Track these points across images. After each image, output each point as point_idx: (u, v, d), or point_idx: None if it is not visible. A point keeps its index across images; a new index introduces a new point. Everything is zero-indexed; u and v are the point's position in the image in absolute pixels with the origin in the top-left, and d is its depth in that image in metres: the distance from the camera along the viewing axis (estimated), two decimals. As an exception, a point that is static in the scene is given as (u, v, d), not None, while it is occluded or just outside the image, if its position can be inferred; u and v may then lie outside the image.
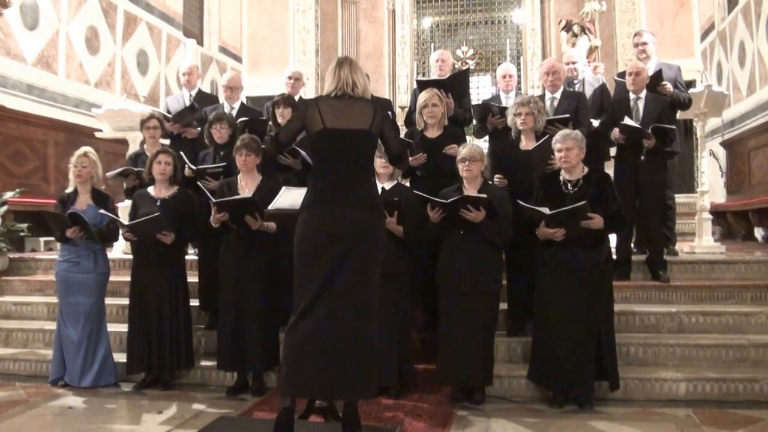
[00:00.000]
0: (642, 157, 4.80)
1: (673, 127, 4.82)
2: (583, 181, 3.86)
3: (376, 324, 3.21)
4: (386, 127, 3.35)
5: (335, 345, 3.07)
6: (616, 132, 4.85)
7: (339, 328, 3.08)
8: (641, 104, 4.99)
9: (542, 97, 4.98)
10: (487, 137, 5.47)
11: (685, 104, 5.36)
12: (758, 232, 7.66)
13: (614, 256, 4.31)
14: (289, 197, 3.70)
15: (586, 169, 3.92)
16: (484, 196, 3.82)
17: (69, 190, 4.57)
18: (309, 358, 3.08)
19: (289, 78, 6.03)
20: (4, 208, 5.78)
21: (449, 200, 3.83)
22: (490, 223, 3.85)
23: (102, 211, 4.38)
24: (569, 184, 3.89)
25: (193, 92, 6.27)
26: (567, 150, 3.84)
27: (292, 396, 3.13)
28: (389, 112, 3.35)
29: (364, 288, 3.15)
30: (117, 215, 4.53)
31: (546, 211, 3.74)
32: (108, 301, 4.62)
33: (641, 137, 4.74)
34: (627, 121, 4.79)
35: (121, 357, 4.43)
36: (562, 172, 3.94)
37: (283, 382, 3.20)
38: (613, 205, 3.82)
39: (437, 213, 3.87)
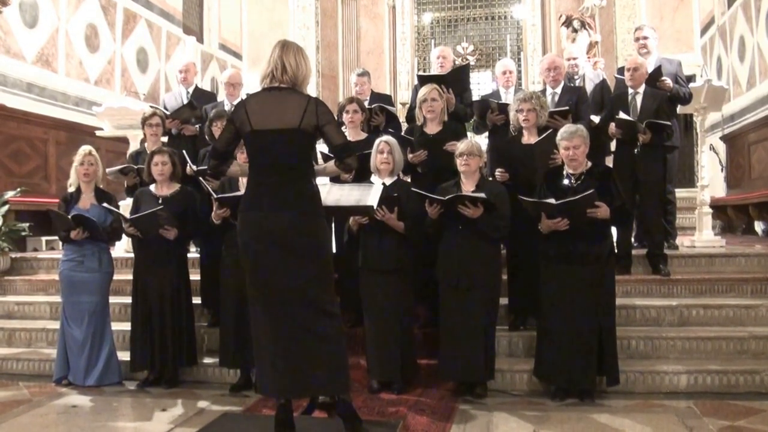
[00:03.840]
0: (636, 150, 4.82)
1: (668, 123, 4.82)
2: (586, 175, 3.88)
3: (335, 320, 3.16)
4: (324, 121, 3.12)
5: (284, 346, 3.08)
6: (612, 127, 4.87)
7: (284, 332, 3.08)
8: (639, 99, 5.00)
9: (543, 92, 5.00)
10: (486, 133, 5.47)
11: (686, 99, 5.36)
12: (758, 226, 7.67)
13: (615, 250, 4.32)
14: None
15: (589, 164, 3.93)
16: (482, 195, 3.83)
17: (71, 189, 4.58)
18: (266, 360, 3.12)
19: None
20: (6, 207, 5.79)
21: (446, 198, 3.84)
22: (488, 219, 3.86)
23: (105, 204, 4.40)
24: (572, 178, 3.90)
25: (191, 89, 6.27)
26: (575, 148, 3.85)
27: (265, 395, 3.13)
28: (326, 108, 3.17)
29: (305, 290, 3.08)
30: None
31: (552, 201, 3.75)
32: (110, 299, 4.63)
33: (636, 131, 4.75)
34: (622, 115, 4.81)
35: (124, 355, 4.45)
36: (565, 166, 3.94)
37: (256, 382, 3.34)
38: (617, 199, 3.83)
39: (435, 209, 3.89)
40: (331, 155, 3.35)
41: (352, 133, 4.76)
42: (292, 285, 3.08)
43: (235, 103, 5.69)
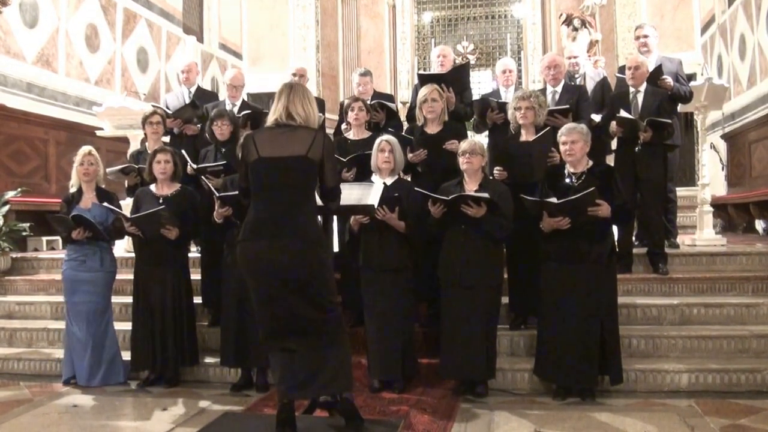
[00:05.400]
0: (637, 149, 4.81)
1: (668, 120, 4.81)
2: (588, 174, 3.88)
3: (337, 323, 3.23)
4: (326, 155, 3.17)
5: (298, 361, 3.17)
6: (613, 125, 4.86)
7: (287, 341, 3.17)
8: (640, 98, 5.00)
9: (543, 90, 4.99)
10: (486, 132, 5.47)
11: (686, 98, 5.35)
12: (759, 225, 7.66)
13: (616, 249, 4.32)
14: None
15: (590, 163, 3.93)
16: (486, 195, 3.83)
17: (73, 189, 4.58)
18: (285, 368, 3.19)
19: (293, 75, 6.01)
20: (6, 207, 5.79)
21: (450, 197, 3.85)
22: (491, 218, 3.86)
23: (105, 204, 4.40)
24: (573, 177, 3.90)
25: (192, 89, 6.26)
26: (572, 143, 3.85)
27: (283, 400, 3.22)
28: (333, 143, 3.26)
29: (305, 313, 3.14)
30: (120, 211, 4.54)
31: (554, 200, 3.75)
32: (111, 299, 4.62)
33: (637, 129, 4.75)
34: (623, 113, 4.80)
35: (125, 355, 4.44)
36: (567, 165, 3.94)
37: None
38: (618, 197, 3.83)
39: (438, 209, 3.89)
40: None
41: (357, 131, 4.78)
42: (293, 310, 3.14)
43: (236, 103, 5.74)
